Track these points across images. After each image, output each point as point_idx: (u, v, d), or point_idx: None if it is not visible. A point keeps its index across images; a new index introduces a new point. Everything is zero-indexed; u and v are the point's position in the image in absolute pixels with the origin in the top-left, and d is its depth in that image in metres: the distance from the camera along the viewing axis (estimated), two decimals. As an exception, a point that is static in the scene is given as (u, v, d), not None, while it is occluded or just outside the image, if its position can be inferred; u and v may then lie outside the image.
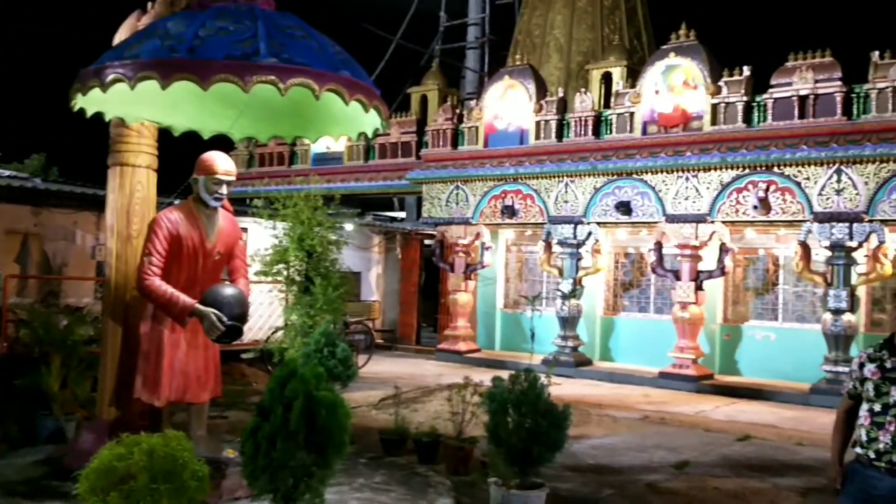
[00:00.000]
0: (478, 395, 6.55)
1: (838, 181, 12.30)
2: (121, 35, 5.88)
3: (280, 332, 11.02)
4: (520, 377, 5.40)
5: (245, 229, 12.86)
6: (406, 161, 18.07)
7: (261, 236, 10.95)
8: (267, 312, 13.35)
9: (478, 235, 16.35)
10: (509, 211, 15.78)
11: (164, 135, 5.85)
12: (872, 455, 3.69)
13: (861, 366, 3.86)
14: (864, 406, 3.79)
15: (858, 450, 3.79)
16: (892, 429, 3.65)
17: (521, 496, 5.18)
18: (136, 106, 5.17)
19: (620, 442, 8.87)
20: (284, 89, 4.45)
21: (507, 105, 16.26)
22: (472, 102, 17.35)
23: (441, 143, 17.07)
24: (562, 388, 12.60)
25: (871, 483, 3.69)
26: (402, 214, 20.63)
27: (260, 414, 3.66)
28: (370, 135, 5.53)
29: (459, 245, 16.45)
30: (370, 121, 5.24)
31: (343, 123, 5.50)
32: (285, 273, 9.92)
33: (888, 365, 3.75)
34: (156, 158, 5.89)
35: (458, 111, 17.19)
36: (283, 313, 10.74)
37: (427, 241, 18.86)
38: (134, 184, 5.73)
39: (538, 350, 14.37)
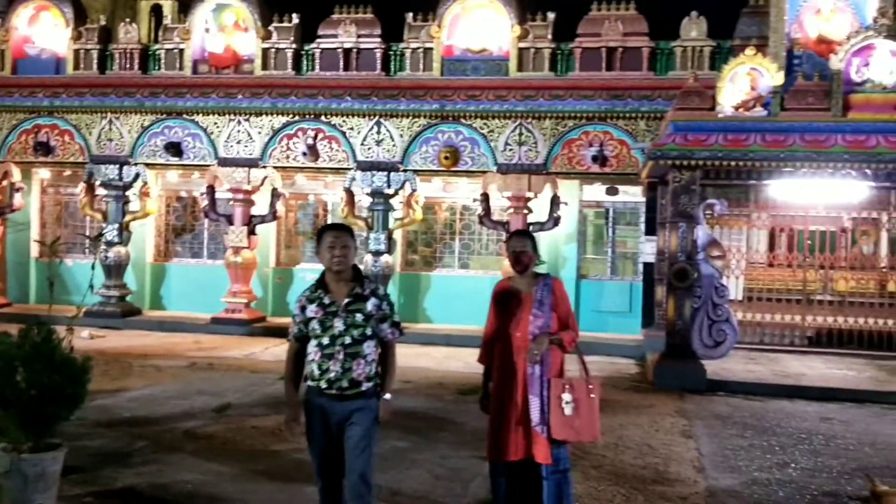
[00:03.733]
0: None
1: (378, 133, 13.23)
2: None
3: None
4: (31, 331, 4.83)
5: None
6: None
7: None
8: None
9: (5, 174, 14.39)
10: (43, 148, 14.14)
11: None
12: (325, 385, 3.98)
13: (303, 309, 4.09)
14: (313, 343, 4.05)
15: (311, 383, 4.05)
16: (340, 357, 3.97)
17: (34, 460, 4.67)
18: None
19: (162, 392, 8.57)
20: None
21: (41, 29, 14.47)
22: (-2, 21, 15.05)
23: (-44, 66, 14.58)
24: (106, 341, 11.97)
25: (326, 409, 4.00)
26: None
27: None
28: None
29: (-20, 185, 14.34)
30: None
31: None
32: None
33: (326, 301, 4.05)
34: None
35: (-23, 30, 14.79)
36: None
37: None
38: None
39: (81, 301, 13.29)
